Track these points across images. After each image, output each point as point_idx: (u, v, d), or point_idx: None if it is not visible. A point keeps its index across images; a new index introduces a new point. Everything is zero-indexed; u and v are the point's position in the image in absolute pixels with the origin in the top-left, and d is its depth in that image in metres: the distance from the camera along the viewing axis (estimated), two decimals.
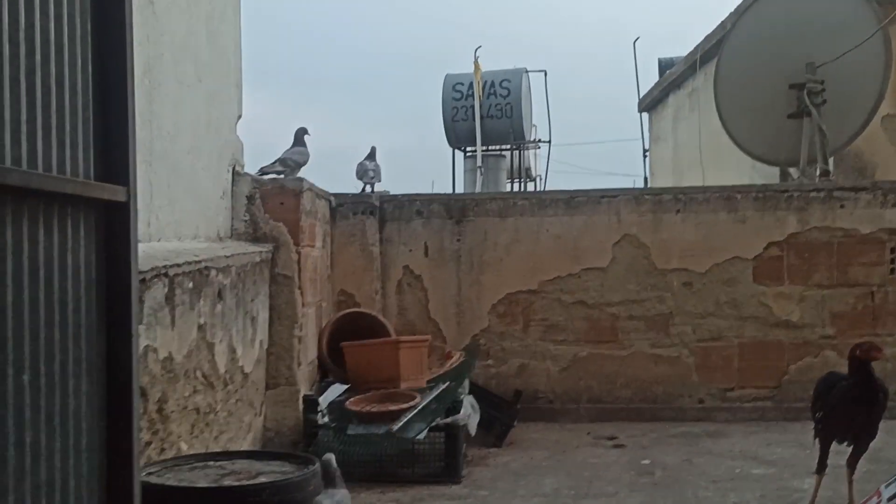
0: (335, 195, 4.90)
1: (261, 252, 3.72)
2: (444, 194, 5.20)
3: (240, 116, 3.92)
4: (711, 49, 7.74)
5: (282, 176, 4.34)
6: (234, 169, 3.84)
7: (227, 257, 3.16)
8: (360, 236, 4.93)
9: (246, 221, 3.90)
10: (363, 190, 5.44)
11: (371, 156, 5.53)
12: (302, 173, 4.51)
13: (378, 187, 5.31)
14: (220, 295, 3.05)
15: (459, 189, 13.53)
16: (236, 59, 3.89)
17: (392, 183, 5.57)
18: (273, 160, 4.58)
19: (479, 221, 5.00)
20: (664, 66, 11.87)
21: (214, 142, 3.57)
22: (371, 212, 4.95)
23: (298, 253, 3.95)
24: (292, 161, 4.47)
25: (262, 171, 4.74)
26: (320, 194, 4.51)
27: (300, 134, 4.61)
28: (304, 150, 4.53)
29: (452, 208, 5.02)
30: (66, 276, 1.39)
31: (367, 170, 5.36)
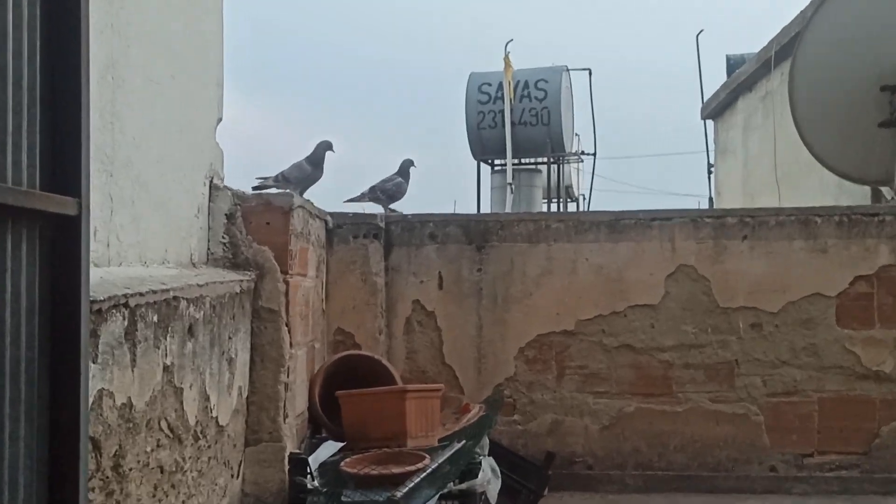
0: (333, 215, 4.94)
1: (241, 281, 3.74)
2: (463, 215, 5.21)
3: (220, 120, 3.98)
4: (789, 44, 7.76)
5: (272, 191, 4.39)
6: (211, 181, 3.89)
7: (200, 286, 3.19)
8: (361, 264, 4.96)
9: (225, 244, 3.92)
10: (386, 210, 5.52)
11: (403, 172, 5.61)
12: (311, 195, 4.55)
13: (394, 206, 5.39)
14: (191, 331, 3.08)
15: (486, 208, 13.63)
16: (217, 53, 3.96)
17: (406, 203, 5.62)
18: (277, 173, 4.67)
19: (504, 248, 5.02)
20: (733, 64, 11.90)
21: (189, 149, 3.62)
22: (375, 235, 4.99)
23: (287, 283, 3.96)
24: (293, 177, 4.53)
25: (260, 186, 4.80)
26: (314, 213, 4.54)
27: (321, 149, 4.68)
28: (304, 164, 4.59)
29: (473, 232, 5.05)
30: (2, 302, 1.43)
31: (384, 189, 5.44)
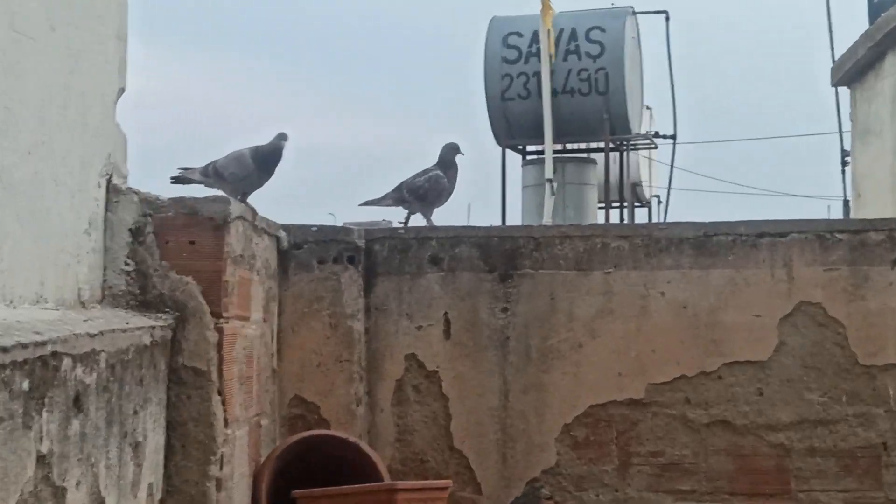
0: (289, 228, 4.94)
1: (153, 328, 3.74)
2: (481, 228, 5.20)
3: (122, 91, 3.99)
4: None
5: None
6: (109, 181, 3.89)
7: (92, 337, 3.17)
8: (330, 302, 4.96)
9: (129, 273, 3.92)
10: (407, 221, 5.54)
11: (444, 162, 5.65)
12: (267, 203, 4.56)
13: (377, 214, 5.46)
14: (78, 403, 3.06)
15: (515, 217, 13.63)
16: None
17: (399, 214, 5.68)
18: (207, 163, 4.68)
19: (541, 277, 5.01)
20: (877, 4, 11.91)
21: (77, 134, 3.62)
22: (351, 258, 4.99)
23: (220, 330, 3.96)
24: (228, 173, 4.53)
25: (181, 180, 4.80)
26: (262, 227, 4.55)
27: (276, 145, 4.67)
28: (247, 159, 4.59)
29: (495, 253, 5.04)
30: None
31: (413, 187, 5.49)
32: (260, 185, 4.65)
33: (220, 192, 4.45)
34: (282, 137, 4.65)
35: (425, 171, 5.68)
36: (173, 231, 3.97)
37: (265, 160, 4.64)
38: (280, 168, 4.66)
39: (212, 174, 4.65)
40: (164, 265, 3.94)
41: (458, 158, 5.75)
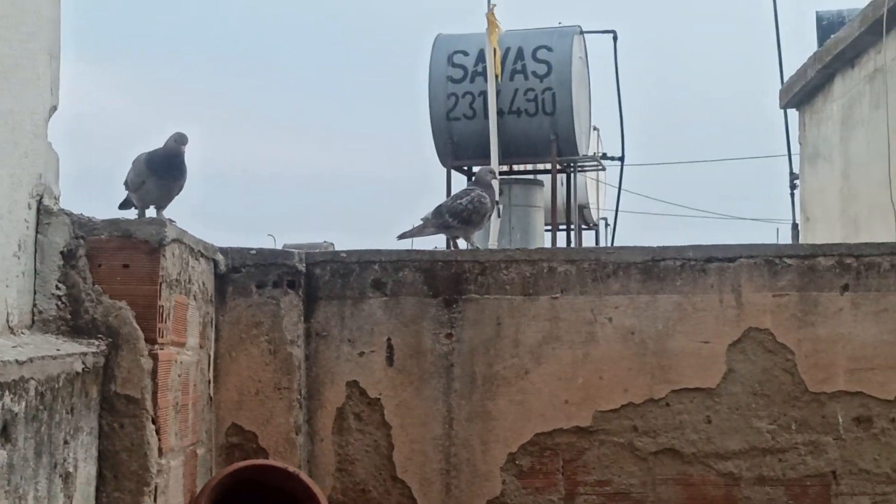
0: (227, 251, 4.92)
1: (85, 355, 3.71)
2: (425, 252, 5.20)
3: (55, 108, 3.95)
4: None
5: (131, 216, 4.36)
6: (40, 202, 3.85)
7: (21, 364, 3.14)
8: (269, 327, 4.93)
9: (60, 298, 3.89)
10: (449, 245, 5.50)
11: (482, 181, 5.65)
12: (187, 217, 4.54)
13: (315, 237, 5.45)
14: (6, 433, 3.03)
15: (461, 241, 13.61)
16: (51, 8, 3.93)
17: (337, 231, 5.67)
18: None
19: (487, 302, 5.01)
20: (826, 26, 12.09)
21: (5, 153, 3.58)
22: (291, 283, 4.97)
23: (155, 357, 3.94)
24: (129, 181, 4.52)
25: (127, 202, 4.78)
26: (198, 250, 4.52)
27: (171, 146, 4.63)
28: (141, 164, 4.56)
29: (439, 278, 5.04)
30: None
31: (455, 210, 5.50)
32: (166, 193, 4.59)
33: (155, 214, 4.44)
34: (177, 139, 4.60)
35: (466, 192, 5.68)
36: (107, 254, 3.95)
37: (160, 165, 4.59)
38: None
39: (125, 186, 4.64)
40: (96, 289, 3.92)
41: (494, 182, 5.78)
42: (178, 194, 4.64)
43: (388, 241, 5.82)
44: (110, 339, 3.89)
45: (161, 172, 4.58)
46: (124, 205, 4.74)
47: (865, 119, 9.69)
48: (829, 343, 4.90)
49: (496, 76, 12.75)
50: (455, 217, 5.60)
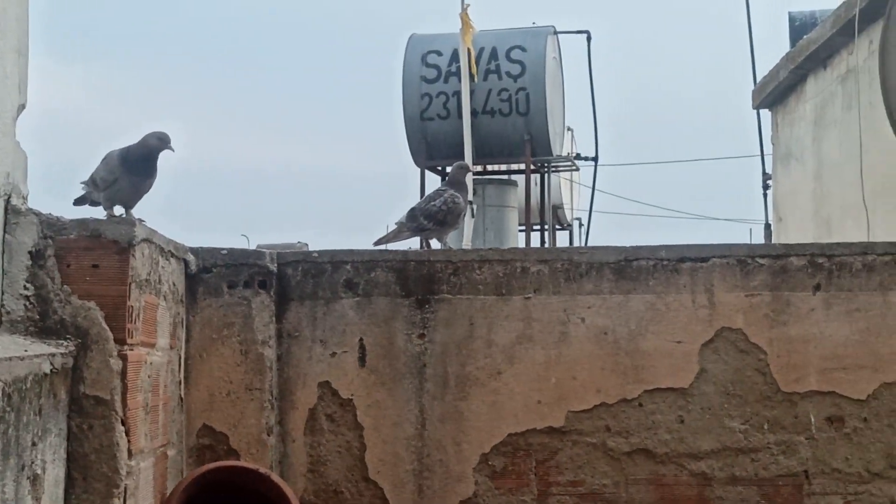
0: (199, 251, 4.90)
1: (53, 355, 3.69)
2: (398, 252, 5.18)
3: (23, 107, 3.94)
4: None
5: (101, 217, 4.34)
6: (8, 202, 3.84)
7: None
8: (240, 328, 4.92)
9: (28, 298, 3.87)
10: (422, 245, 5.52)
11: (455, 182, 5.64)
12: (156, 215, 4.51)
13: (281, 238, 5.43)
14: None
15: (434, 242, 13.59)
16: (19, 7, 3.91)
17: (312, 231, 5.67)
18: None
19: (459, 302, 5.01)
20: (799, 27, 12.15)
21: None
22: (262, 283, 4.95)
23: (124, 357, 3.93)
24: (100, 178, 4.48)
25: (83, 199, 4.74)
26: (169, 250, 4.51)
27: (149, 143, 4.59)
28: (114, 160, 4.52)
29: (412, 278, 5.04)
30: None
31: (430, 212, 5.50)
32: (137, 192, 4.55)
33: (124, 214, 4.42)
34: (161, 138, 4.55)
35: (439, 194, 5.67)
36: (76, 254, 3.94)
37: (136, 162, 4.54)
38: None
39: (90, 183, 4.61)
40: (65, 289, 3.91)
41: (468, 179, 5.79)
42: (146, 193, 4.61)
43: (365, 240, 5.81)
44: (79, 340, 3.88)
45: (135, 170, 4.54)
46: (80, 201, 4.70)
47: (838, 120, 9.74)
48: (802, 343, 4.91)
49: (473, 76, 12.77)
50: (430, 219, 5.60)
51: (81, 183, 4.69)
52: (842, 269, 4.95)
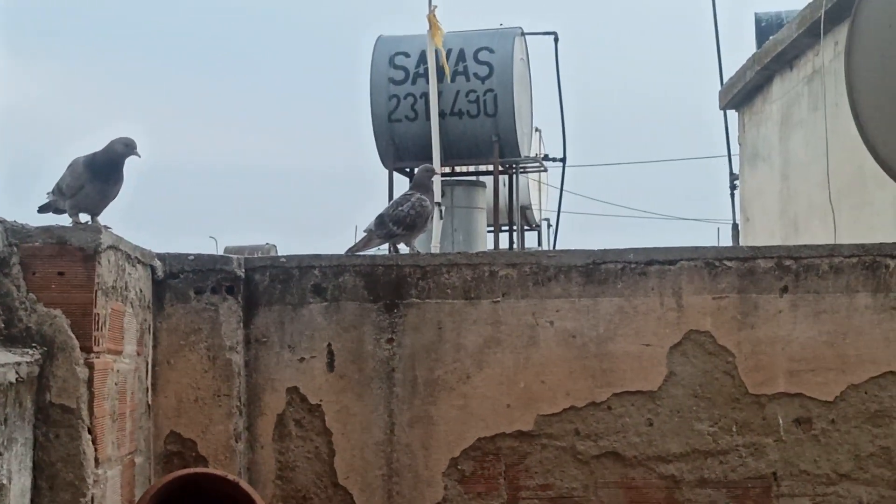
0: (165, 257, 4.88)
1: (19, 364, 3.66)
2: (364, 257, 5.20)
3: None
4: (844, 1, 7.96)
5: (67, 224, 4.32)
6: None
7: None
8: (208, 334, 4.90)
9: None
10: (390, 250, 5.60)
11: (421, 186, 5.67)
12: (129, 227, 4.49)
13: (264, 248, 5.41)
14: None
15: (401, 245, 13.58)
16: None
17: (281, 236, 5.66)
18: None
19: (428, 307, 5.00)
20: (765, 27, 12.22)
21: None
22: (230, 289, 4.94)
23: (91, 365, 3.92)
24: (66, 185, 4.45)
25: (48, 207, 4.71)
26: (135, 256, 4.49)
27: (115, 150, 4.56)
28: (80, 166, 4.49)
29: (380, 283, 5.03)
30: None
31: (398, 218, 5.50)
32: (104, 198, 4.52)
33: (90, 221, 4.40)
34: (128, 144, 4.53)
35: (406, 198, 5.66)
36: (41, 261, 3.92)
37: (102, 168, 4.52)
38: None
39: (56, 191, 4.58)
40: (31, 297, 3.89)
41: (434, 182, 5.82)
42: (113, 200, 4.58)
43: (335, 240, 5.81)
44: (45, 348, 3.87)
45: (101, 176, 4.51)
46: (45, 208, 4.67)
47: (804, 120, 9.79)
48: (769, 345, 4.93)
49: (446, 75, 12.78)
50: (399, 225, 5.59)
51: (47, 193, 4.65)
52: (808, 272, 4.97)
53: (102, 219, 4.54)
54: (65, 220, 4.53)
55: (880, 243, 5.10)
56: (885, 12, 6.18)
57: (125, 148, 4.50)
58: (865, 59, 6.20)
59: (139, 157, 4.53)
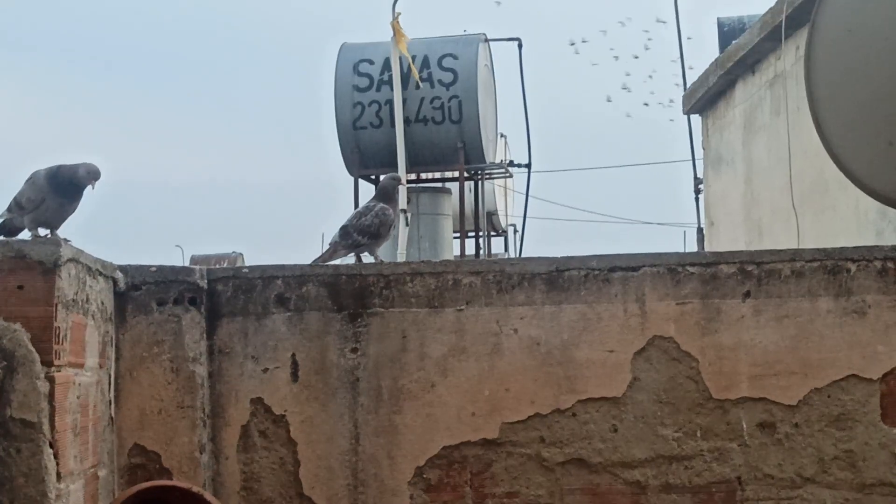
0: (127, 269, 4.87)
1: None
2: (328, 267, 5.19)
3: None
4: (805, 4, 8.02)
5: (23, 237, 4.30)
6: None
7: None
8: (170, 346, 4.88)
9: None
10: (359, 259, 5.64)
11: (385, 195, 5.68)
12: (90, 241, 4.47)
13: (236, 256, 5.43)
14: None
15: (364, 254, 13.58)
16: None
17: (245, 246, 5.68)
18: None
19: (391, 316, 5.00)
20: (727, 32, 12.30)
21: None
22: (192, 300, 4.92)
23: (51, 379, 3.90)
24: (25, 199, 4.45)
25: (4, 225, 4.70)
26: (96, 269, 4.47)
27: (76, 169, 4.55)
28: (41, 180, 4.49)
29: (343, 292, 5.02)
30: None
31: (362, 227, 5.55)
32: (63, 213, 4.53)
33: (51, 235, 4.38)
34: (91, 174, 4.55)
35: (369, 208, 5.72)
36: (0, 275, 3.89)
37: (62, 185, 4.53)
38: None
39: (14, 207, 4.57)
40: None
41: (399, 192, 5.91)
42: (71, 215, 4.58)
43: (302, 250, 5.85)
44: (5, 363, 3.83)
45: (62, 192, 4.52)
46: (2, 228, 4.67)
47: (766, 124, 9.86)
48: (732, 350, 4.95)
49: (418, 83, 12.81)
50: (363, 234, 5.64)
51: (0, 215, 4.64)
52: (770, 276, 5.00)
53: (62, 232, 4.53)
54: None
55: (842, 247, 5.13)
56: (843, 18, 6.22)
57: (87, 175, 4.53)
58: (825, 65, 6.24)
59: (93, 189, 4.56)
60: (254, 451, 4.95)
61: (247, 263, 5.90)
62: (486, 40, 13.77)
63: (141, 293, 4.90)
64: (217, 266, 5.33)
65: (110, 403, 4.75)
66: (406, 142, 12.69)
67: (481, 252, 15.52)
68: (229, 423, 4.95)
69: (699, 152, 12.48)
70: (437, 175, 14.90)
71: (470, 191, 14.25)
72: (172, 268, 5.04)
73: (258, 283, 5.02)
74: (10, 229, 4.68)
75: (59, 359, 3.95)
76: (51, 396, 3.88)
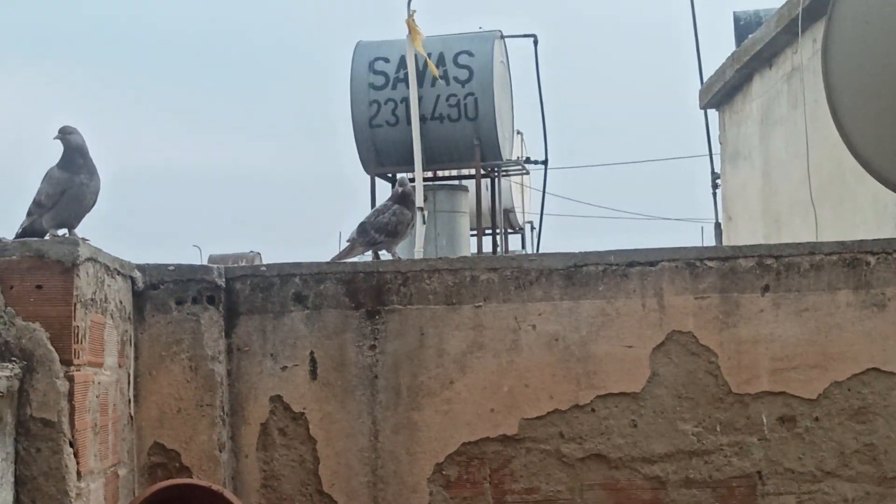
0: (145, 267, 4.88)
1: None
2: (345, 264, 5.18)
3: None
4: None
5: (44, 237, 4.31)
6: None
7: None
8: (189, 344, 4.89)
9: None
10: (376, 256, 5.67)
11: (401, 196, 5.75)
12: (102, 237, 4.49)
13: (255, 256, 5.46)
14: None
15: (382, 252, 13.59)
16: None
17: (261, 244, 5.69)
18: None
19: (410, 313, 5.00)
20: (744, 26, 12.26)
21: None
22: (210, 298, 4.93)
23: (71, 378, 3.90)
24: (44, 196, 4.47)
25: (24, 231, 4.72)
26: (114, 268, 4.48)
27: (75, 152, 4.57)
28: (56, 172, 4.51)
29: (361, 290, 5.02)
30: None
31: (380, 225, 5.62)
32: (83, 201, 4.55)
33: (67, 234, 4.39)
34: (60, 131, 4.59)
35: (386, 207, 5.82)
36: (19, 275, 3.91)
37: (70, 161, 4.55)
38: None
39: (34, 209, 4.58)
40: (9, 311, 3.88)
41: (412, 193, 6.01)
42: (93, 206, 4.59)
43: (320, 248, 5.87)
44: (25, 362, 3.85)
45: (74, 168, 4.55)
46: (23, 235, 4.68)
47: (784, 118, 9.83)
48: (752, 344, 4.94)
49: (437, 79, 12.80)
50: (381, 232, 5.68)
51: (22, 223, 4.67)
52: (790, 270, 4.99)
53: (80, 231, 4.54)
54: None
55: (860, 240, 5.12)
56: (860, 9, 6.20)
57: (60, 135, 4.56)
58: (842, 57, 6.22)
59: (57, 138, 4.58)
60: (273, 449, 4.95)
61: (264, 262, 5.93)
62: (502, 37, 13.78)
63: (159, 292, 4.90)
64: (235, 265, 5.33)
65: (130, 402, 4.76)
66: (422, 139, 12.66)
67: (498, 249, 15.50)
68: (248, 421, 4.96)
69: (716, 147, 12.46)
70: (454, 172, 14.89)
71: (486, 188, 14.26)
72: (190, 266, 5.04)
73: (276, 281, 5.02)
74: (33, 233, 4.68)
75: (78, 358, 3.96)
76: (70, 395, 3.89)
